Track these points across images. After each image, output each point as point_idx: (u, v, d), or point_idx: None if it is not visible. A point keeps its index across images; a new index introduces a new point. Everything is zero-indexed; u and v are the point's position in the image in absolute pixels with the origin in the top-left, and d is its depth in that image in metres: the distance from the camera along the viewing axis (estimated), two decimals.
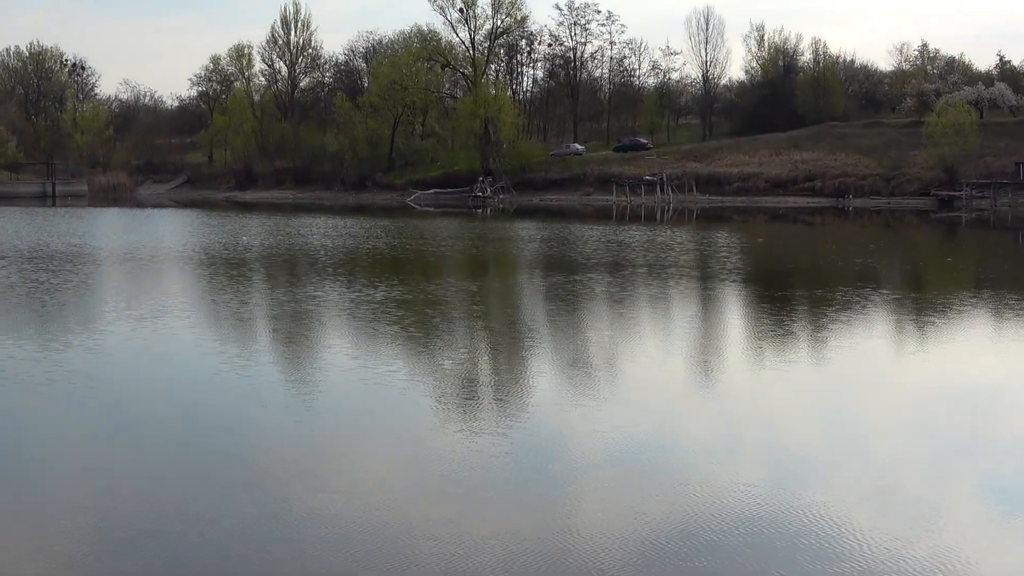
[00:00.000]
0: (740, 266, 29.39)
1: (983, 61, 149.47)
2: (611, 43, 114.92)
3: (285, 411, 11.76)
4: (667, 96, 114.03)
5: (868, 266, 30.00)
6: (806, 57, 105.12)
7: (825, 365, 14.85)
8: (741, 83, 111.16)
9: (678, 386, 13.48)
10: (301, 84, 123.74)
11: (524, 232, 46.30)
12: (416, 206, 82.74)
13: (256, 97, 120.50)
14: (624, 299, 21.88)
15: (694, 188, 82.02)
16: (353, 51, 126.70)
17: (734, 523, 8.07)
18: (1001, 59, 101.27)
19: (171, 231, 46.88)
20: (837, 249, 36.89)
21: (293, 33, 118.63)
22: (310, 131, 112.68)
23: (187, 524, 8.06)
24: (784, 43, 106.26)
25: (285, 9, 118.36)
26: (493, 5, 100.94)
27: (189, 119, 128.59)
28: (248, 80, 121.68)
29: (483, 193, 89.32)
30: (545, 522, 8.20)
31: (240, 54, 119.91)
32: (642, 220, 59.70)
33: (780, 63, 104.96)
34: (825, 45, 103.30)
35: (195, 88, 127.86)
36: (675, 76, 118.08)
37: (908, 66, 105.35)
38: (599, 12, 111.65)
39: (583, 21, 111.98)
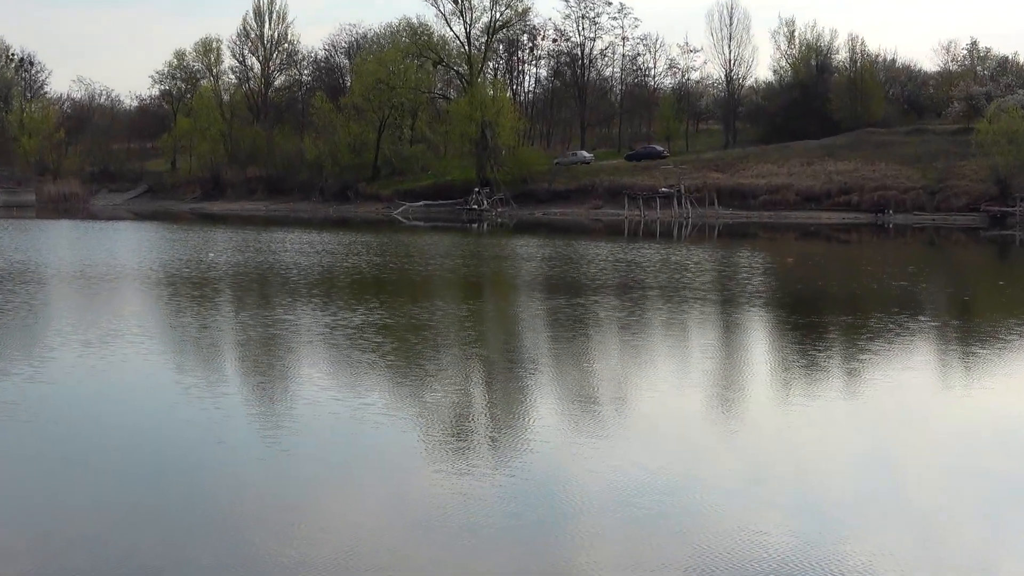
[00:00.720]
0: (763, 289, 29.42)
1: None
2: (623, 39, 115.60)
3: (247, 448, 11.77)
4: (686, 98, 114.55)
5: (908, 290, 30.04)
6: (841, 56, 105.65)
7: (857, 401, 14.84)
8: (769, 84, 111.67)
9: (692, 423, 13.46)
10: (276, 83, 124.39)
11: (523, 249, 46.36)
12: (404, 220, 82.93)
13: (225, 97, 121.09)
14: (631, 325, 21.89)
15: (715, 201, 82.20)
16: (334, 46, 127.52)
17: None
18: None
19: (127, 246, 46.94)
20: (874, 270, 36.91)
21: (267, 25, 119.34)
22: (285, 135, 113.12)
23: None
24: (817, 40, 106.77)
25: None
26: None
27: (150, 121, 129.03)
28: (216, 78, 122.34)
29: (479, 206, 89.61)
30: (539, 571, 8.17)
31: (207, 49, 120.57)
32: (657, 237, 59.80)
33: (813, 62, 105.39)
34: (863, 43, 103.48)
35: (157, 86, 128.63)
36: (695, 76, 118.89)
37: (956, 67, 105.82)
38: (610, 4, 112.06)
39: (592, 14, 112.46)
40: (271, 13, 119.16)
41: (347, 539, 8.95)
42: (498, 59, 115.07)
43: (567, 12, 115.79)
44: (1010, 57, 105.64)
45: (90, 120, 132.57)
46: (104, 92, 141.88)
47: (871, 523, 9.41)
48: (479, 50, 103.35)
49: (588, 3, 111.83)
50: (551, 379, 16.21)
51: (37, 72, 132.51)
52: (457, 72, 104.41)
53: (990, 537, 9.35)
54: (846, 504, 10.13)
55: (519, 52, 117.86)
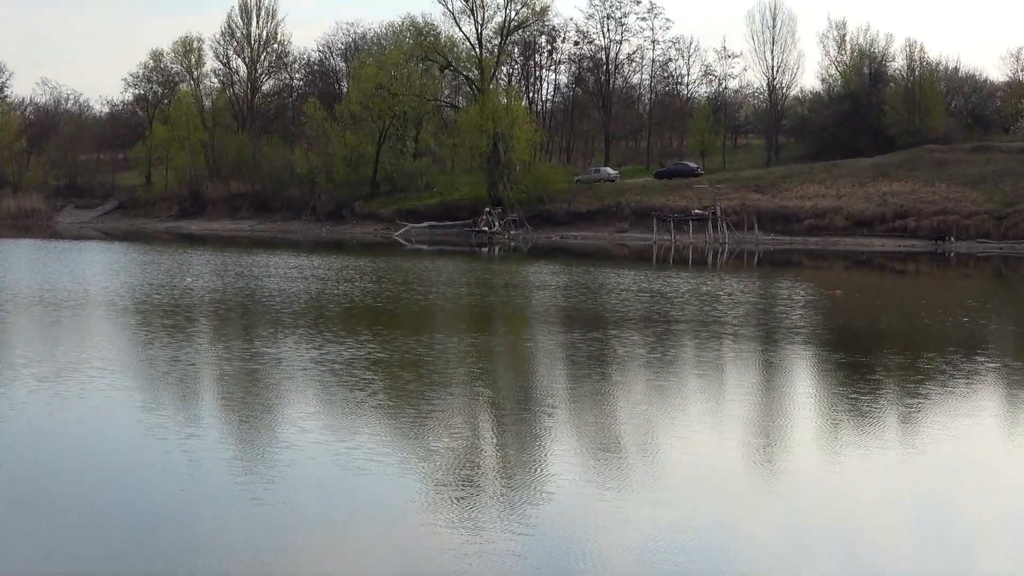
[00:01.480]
0: (802, 324, 29.32)
1: None
2: (653, 42, 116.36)
3: (215, 497, 11.77)
4: (723, 109, 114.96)
5: (968, 327, 29.89)
6: (898, 63, 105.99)
7: (909, 452, 14.75)
8: (816, 95, 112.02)
9: (726, 476, 13.41)
10: (263, 88, 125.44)
11: (537, 277, 46.38)
12: (405, 242, 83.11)
13: (207, 103, 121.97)
14: (653, 363, 21.84)
15: (755, 226, 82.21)
16: (329, 47, 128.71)
17: None
18: None
19: (93, 269, 47.08)
20: (929, 304, 36.79)
21: (254, 23, 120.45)
22: (274, 147, 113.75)
23: None
24: (871, 45, 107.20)
25: None
26: None
27: (122, 129, 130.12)
28: (197, 81, 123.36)
29: (490, 228, 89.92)
30: None
31: (187, 49, 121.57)
32: (689, 265, 59.78)
33: (865, 70, 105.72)
34: (922, 48, 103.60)
35: (130, 90, 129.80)
36: (733, 84, 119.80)
37: None
38: (639, 3, 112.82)
39: (618, 14, 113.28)
40: (259, 9, 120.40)
41: None
42: (513, 63, 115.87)
43: (590, 12, 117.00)
44: None
45: (56, 127, 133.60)
46: (72, 96, 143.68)
47: None
48: (492, 53, 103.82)
49: (614, 2, 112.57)
50: (565, 424, 16.13)
51: None
52: (467, 78, 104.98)
53: None
54: (898, 569, 10.06)
55: (536, 56, 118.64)
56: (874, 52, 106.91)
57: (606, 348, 23.75)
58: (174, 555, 10.08)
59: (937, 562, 10.27)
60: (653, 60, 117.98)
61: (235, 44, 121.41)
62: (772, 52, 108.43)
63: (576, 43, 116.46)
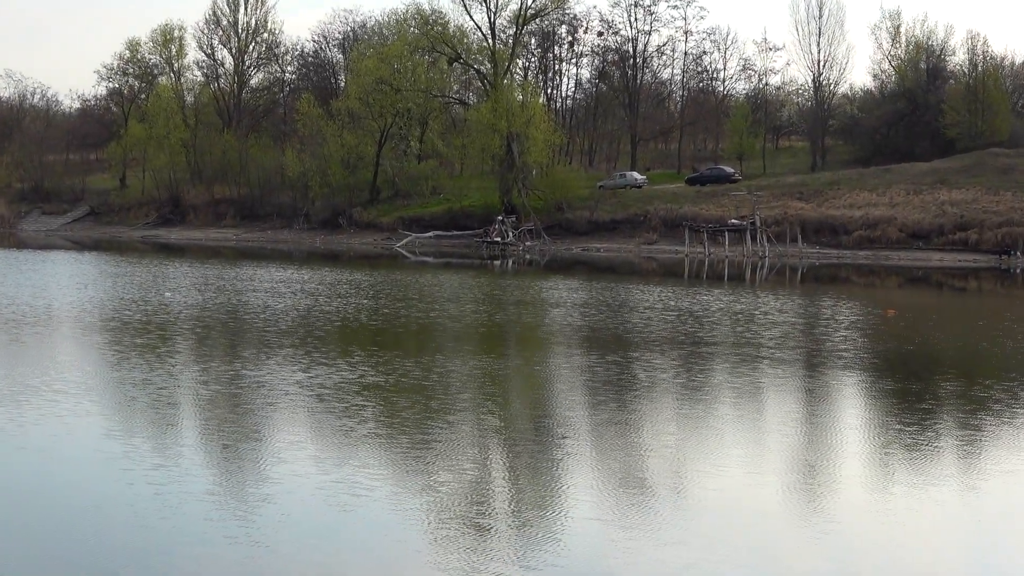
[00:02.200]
0: (847, 347, 29.26)
1: None
2: (686, 33, 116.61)
3: (181, 534, 11.79)
4: (763, 108, 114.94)
5: None
6: (959, 58, 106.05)
7: (974, 495, 14.69)
8: (867, 92, 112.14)
9: (767, 517, 13.42)
10: (252, 81, 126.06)
11: (552, 293, 46.41)
12: (408, 254, 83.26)
13: (189, 98, 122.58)
14: (673, 389, 21.87)
15: (799, 238, 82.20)
16: (325, 37, 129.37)
17: None
18: None
19: (60, 281, 47.21)
20: (988, 325, 36.72)
21: (242, 10, 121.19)
22: (263, 147, 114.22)
23: None
24: (928, 38, 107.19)
25: None
26: None
27: (94, 127, 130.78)
28: (178, 74, 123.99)
29: (502, 238, 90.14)
30: None
31: (168, 38, 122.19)
32: (724, 281, 59.80)
33: (922, 65, 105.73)
34: (985, 42, 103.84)
35: (104, 84, 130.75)
36: (775, 81, 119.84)
37: None
38: None
39: (647, 1, 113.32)
40: None
41: None
42: (529, 56, 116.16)
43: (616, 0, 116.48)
44: None
45: (20, 125, 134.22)
46: (38, 90, 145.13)
47: None
48: (506, 44, 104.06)
49: None
50: (574, 456, 16.10)
51: None
52: (478, 71, 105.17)
53: None
54: None
55: (556, 48, 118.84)
56: (932, 46, 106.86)
57: (624, 372, 23.74)
58: None
59: None
60: (685, 53, 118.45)
61: (221, 33, 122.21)
62: (818, 45, 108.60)
63: (600, 34, 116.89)
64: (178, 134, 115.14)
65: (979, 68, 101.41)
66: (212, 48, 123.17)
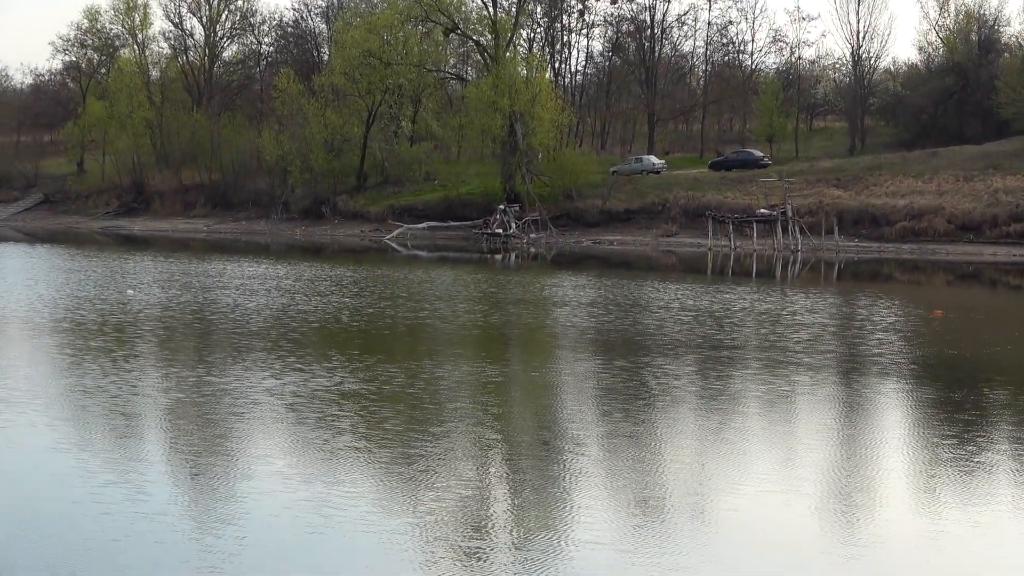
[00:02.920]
0: (882, 352, 29.24)
1: None
2: (710, 1, 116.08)
3: (133, 553, 11.82)
4: (795, 85, 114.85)
5: None
6: (1014, 29, 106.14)
7: (1018, 513, 14.74)
8: (912, 67, 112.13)
9: (791, 540, 13.47)
10: (224, 55, 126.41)
11: (557, 291, 46.45)
12: (399, 248, 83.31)
13: (154, 73, 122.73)
14: (687, 398, 21.90)
15: (835, 229, 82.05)
16: (307, 5, 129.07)
17: None
18: None
19: (8, 277, 47.32)
20: None
21: None
22: (237, 128, 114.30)
23: None
24: (981, 6, 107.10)
25: None
26: None
27: (49, 106, 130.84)
28: (143, 47, 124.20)
29: (504, 230, 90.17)
30: None
31: (131, 6, 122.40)
32: (752, 277, 59.86)
33: (974, 37, 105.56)
34: None
35: (59, 57, 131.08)
36: (809, 54, 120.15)
37: None
38: None
39: None
40: None
41: None
42: (535, 26, 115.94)
43: None
44: None
45: None
46: None
47: None
48: (508, 13, 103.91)
49: None
50: (580, 475, 16.13)
51: None
52: (477, 43, 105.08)
53: None
54: None
55: (564, 17, 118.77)
56: (984, 15, 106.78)
57: (633, 379, 23.75)
58: None
59: None
60: (709, 23, 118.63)
61: (190, 0, 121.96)
62: (858, 14, 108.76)
63: (614, 2, 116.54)
64: (142, 113, 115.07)
65: None
66: (180, 17, 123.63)
